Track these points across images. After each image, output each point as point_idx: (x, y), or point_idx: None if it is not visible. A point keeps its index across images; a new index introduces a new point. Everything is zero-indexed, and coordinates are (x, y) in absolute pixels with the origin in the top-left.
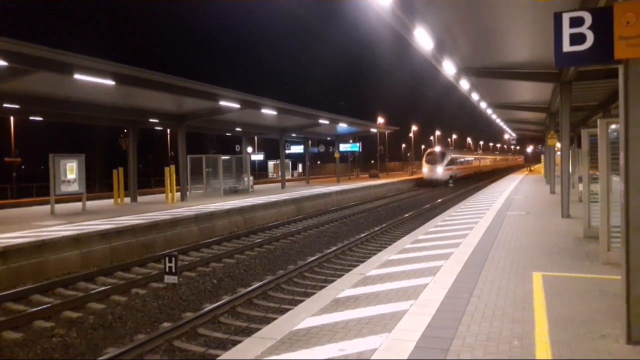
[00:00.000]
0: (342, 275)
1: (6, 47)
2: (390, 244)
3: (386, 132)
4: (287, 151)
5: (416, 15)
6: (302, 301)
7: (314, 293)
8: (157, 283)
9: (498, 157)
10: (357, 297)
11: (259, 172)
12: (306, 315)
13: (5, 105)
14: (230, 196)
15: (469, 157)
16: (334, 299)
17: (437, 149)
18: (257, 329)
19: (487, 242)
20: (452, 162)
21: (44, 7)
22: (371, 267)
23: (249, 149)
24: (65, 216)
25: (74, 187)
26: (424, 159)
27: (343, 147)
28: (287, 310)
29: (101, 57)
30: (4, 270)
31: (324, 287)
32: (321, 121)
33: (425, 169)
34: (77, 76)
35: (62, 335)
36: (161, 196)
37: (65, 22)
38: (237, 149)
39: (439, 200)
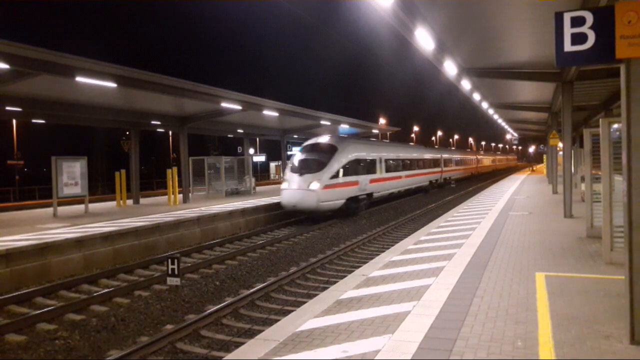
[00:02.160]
0: (345, 276)
1: (8, 50)
2: (392, 245)
3: (388, 133)
4: (288, 152)
5: (417, 16)
6: (304, 303)
7: (317, 294)
8: (159, 285)
9: (479, 157)
10: (359, 298)
11: (261, 173)
12: (309, 317)
13: (7, 108)
14: (232, 198)
15: (413, 155)
16: (336, 300)
17: (323, 139)
18: (260, 331)
19: (490, 243)
20: (352, 168)
21: (45, 9)
22: (374, 268)
23: (251, 151)
24: (68, 218)
25: (77, 190)
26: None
27: None
28: (289, 311)
29: (102, 59)
30: (7, 272)
31: (327, 288)
32: (323, 122)
33: (286, 185)
34: (78, 79)
35: (65, 337)
36: (163, 198)
37: (66, 24)
38: (239, 151)
39: (441, 201)
